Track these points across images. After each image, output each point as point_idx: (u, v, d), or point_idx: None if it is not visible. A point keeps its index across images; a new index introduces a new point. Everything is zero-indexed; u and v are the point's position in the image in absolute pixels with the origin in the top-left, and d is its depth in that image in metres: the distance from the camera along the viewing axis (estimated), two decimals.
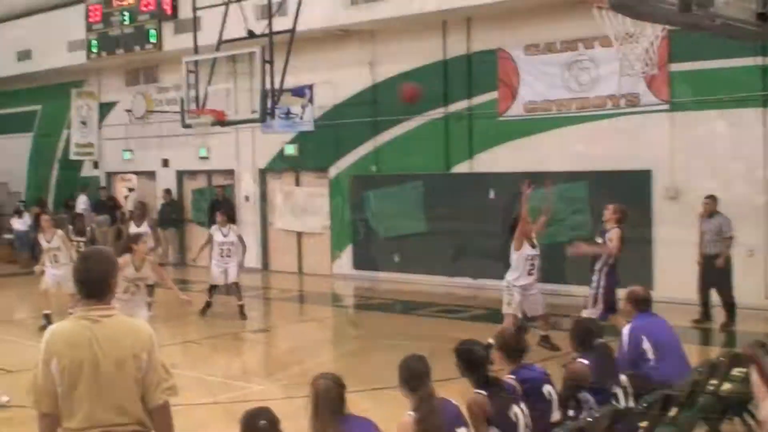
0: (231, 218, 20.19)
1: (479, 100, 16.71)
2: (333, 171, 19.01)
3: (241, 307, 14.45)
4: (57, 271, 13.21)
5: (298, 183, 20.02)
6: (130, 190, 22.97)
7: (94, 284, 3.97)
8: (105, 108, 23.68)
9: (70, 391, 3.85)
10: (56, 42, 22.65)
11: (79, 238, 17.01)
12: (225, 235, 14.35)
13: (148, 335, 4.01)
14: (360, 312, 16.10)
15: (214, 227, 14.90)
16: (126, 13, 20.96)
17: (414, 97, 13.72)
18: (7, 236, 23.16)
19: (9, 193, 25.62)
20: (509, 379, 5.51)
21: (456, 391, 5.47)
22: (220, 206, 19.74)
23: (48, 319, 12.45)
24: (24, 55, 23.92)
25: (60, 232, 13.94)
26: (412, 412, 4.85)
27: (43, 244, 13.55)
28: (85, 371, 3.84)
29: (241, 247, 14.79)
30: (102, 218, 21.44)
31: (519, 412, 5.21)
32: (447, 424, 4.82)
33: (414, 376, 4.95)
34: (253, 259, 20.30)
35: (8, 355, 11.77)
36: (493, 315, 11.83)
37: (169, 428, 4.03)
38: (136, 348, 3.92)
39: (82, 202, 22.57)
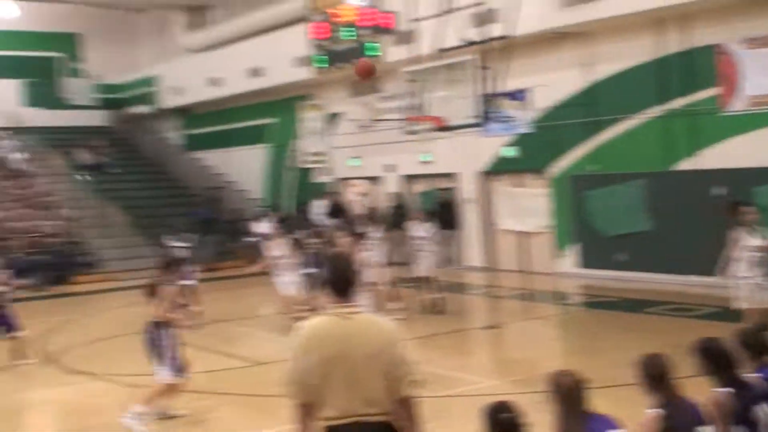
0: (449, 221, 20.77)
1: (699, 96, 16.43)
2: (552, 171, 19.16)
3: (437, 300, 15.05)
4: (285, 277, 13.92)
5: (518, 184, 20.29)
6: (362, 195, 23.69)
7: (344, 284, 4.26)
8: (332, 119, 24.60)
9: (324, 382, 4.08)
10: (284, 59, 23.71)
11: (315, 240, 17.70)
12: (418, 232, 14.89)
13: (394, 331, 4.25)
14: (586, 310, 16.05)
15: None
16: (347, 29, 21.63)
17: (367, 71, 13.12)
18: (249, 239, 24.55)
19: (248, 199, 27.26)
20: (754, 377, 5.25)
21: (695, 389, 5.29)
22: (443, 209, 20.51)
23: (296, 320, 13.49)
24: (256, 72, 25.15)
25: (286, 238, 14.66)
26: (654, 410, 4.81)
27: (271, 250, 14.37)
28: (337, 364, 4.07)
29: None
30: (333, 223, 21.81)
31: (766, 410, 5.02)
32: (689, 422, 4.76)
33: (656, 374, 4.89)
34: (477, 258, 20.90)
35: (256, 349, 13.00)
36: (727, 313, 11.55)
37: (414, 418, 4.20)
38: (383, 343, 4.13)
39: (316, 207, 23.41)
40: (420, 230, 15.51)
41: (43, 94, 30.52)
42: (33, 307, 18.76)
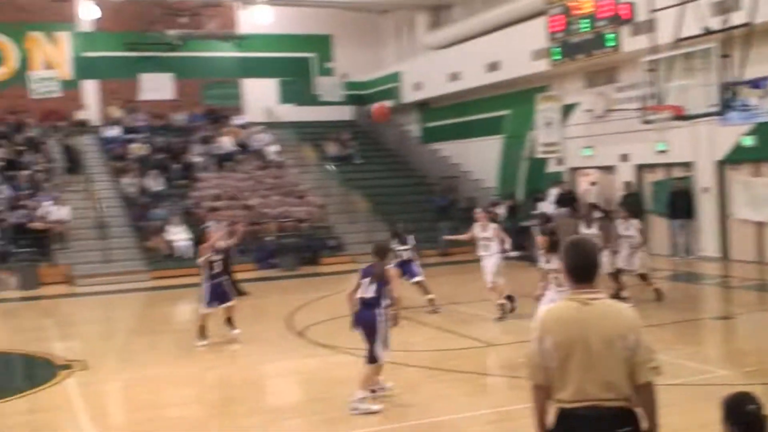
0: (684, 210, 20.49)
1: None
2: None
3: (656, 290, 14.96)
4: (487, 260, 14.09)
5: (756, 174, 19.70)
6: (592, 184, 23.57)
7: (585, 270, 4.20)
8: (567, 109, 24.51)
9: (562, 366, 4.08)
10: (522, 52, 24.09)
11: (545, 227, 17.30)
12: (484, 231, 14.46)
13: (633, 317, 4.16)
14: None
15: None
16: (585, 21, 21.81)
17: (382, 116, 12.95)
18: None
19: (482, 188, 27.87)
20: None
21: None
22: (678, 198, 20.10)
23: (508, 301, 13.54)
24: (493, 66, 25.60)
25: (494, 224, 14.67)
26: None
27: (477, 233, 14.33)
28: (576, 348, 4.06)
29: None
30: (562, 211, 21.79)
31: None
32: None
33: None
34: (711, 248, 20.55)
35: (486, 330, 13.32)
36: None
37: (653, 405, 4.14)
38: (622, 328, 4.07)
39: (550, 196, 23.49)
40: (627, 229, 15.41)
41: (297, 92, 32.82)
42: (285, 285, 20.47)
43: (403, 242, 15.08)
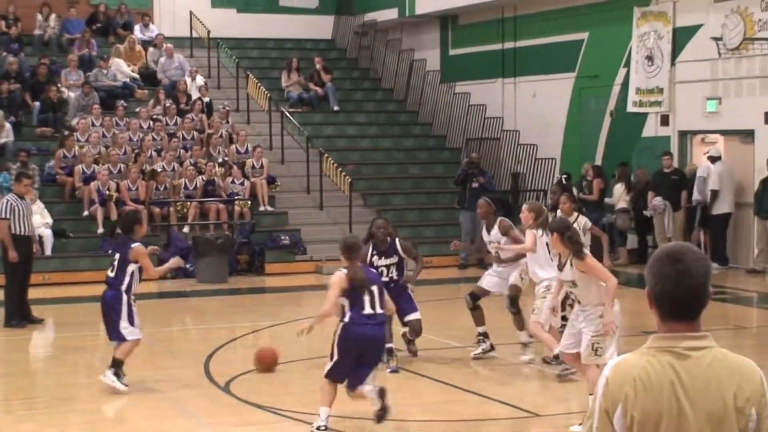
0: None
1: None
2: None
3: None
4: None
5: None
6: (714, 159, 18.25)
7: (686, 298, 3.17)
8: (682, 35, 19.27)
9: None
10: None
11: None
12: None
13: (759, 379, 3.19)
14: None
15: None
16: None
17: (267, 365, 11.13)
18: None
19: (538, 159, 21.86)
20: None
21: None
22: None
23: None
24: None
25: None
26: None
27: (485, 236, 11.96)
28: (663, 427, 3.17)
29: None
30: (659, 201, 17.24)
31: None
32: None
33: None
34: None
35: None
36: None
37: None
38: (741, 398, 3.08)
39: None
40: None
41: None
42: (206, 306, 16.91)
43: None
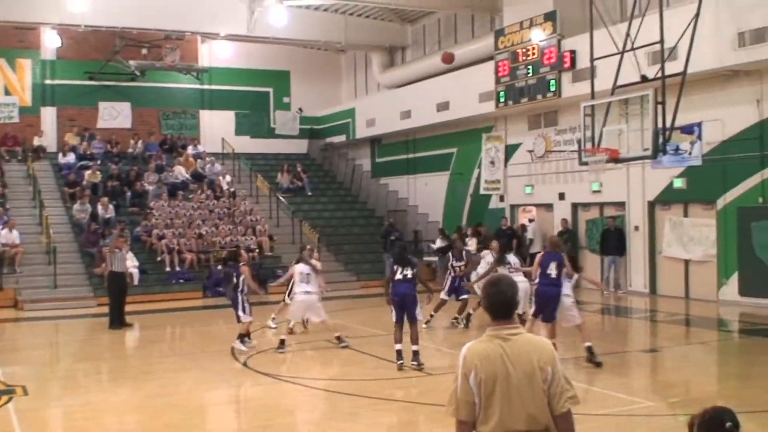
0: (615, 247, 20.88)
1: None
2: (720, 203, 18.99)
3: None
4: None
5: (685, 214, 20.22)
6: (530, 220, 24.03)
7: (504, 306, 4.26)
8: (510, 149, 24.94)
9: (486, 401, 4.10)
10: (470, 94, 24.60)
11: (458, 263, 16.77)
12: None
13: (550, 350, 4.23)
14: (745, 337, 15.90)
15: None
16: (530, 67, 22.52)
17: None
18: (428, 259, 25.58)
19: (429, 222, 28.09)
20: None
21: None
22: (610, 236, 20.85)
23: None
24: (443, 106, 26.10)
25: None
26: None
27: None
28: (498, 383, 4.10)
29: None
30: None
31: None
32: None
33: None
34: (641, 283, 21.10)
35: (431, 360, 12.82)
36: None
37: None
38: (541, 361, 4.12)
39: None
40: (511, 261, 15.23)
41: (253, 124, 33.13)
42: (232, 313, 18.15)
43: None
